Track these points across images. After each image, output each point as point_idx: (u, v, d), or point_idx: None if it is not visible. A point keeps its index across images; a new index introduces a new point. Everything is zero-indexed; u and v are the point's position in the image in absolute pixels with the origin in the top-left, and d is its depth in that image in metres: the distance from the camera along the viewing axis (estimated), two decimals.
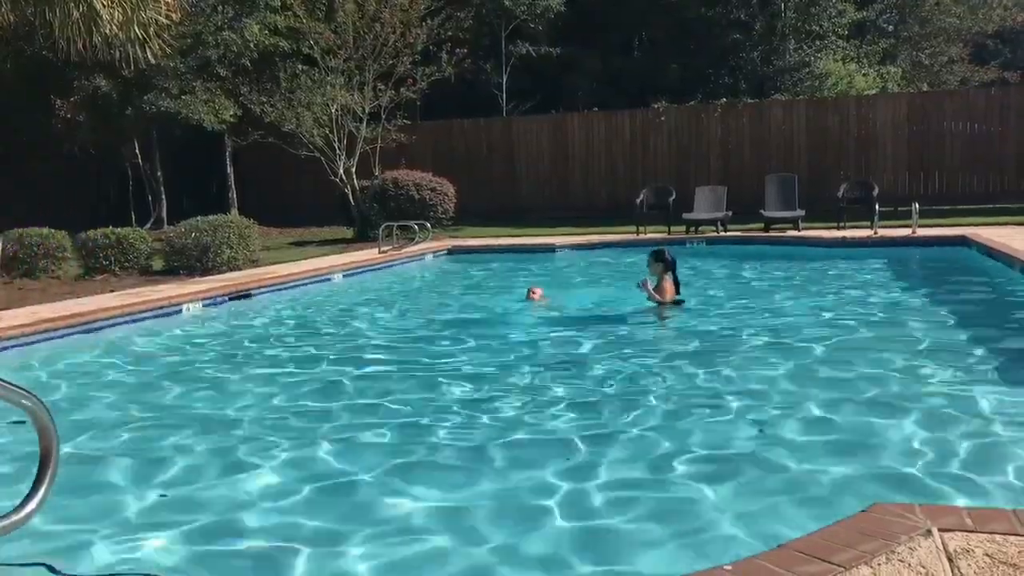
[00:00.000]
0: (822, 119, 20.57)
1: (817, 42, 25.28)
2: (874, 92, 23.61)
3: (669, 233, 16.34)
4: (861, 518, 3.31)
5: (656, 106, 21.86)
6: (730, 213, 16.61)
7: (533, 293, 9.93)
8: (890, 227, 14.75)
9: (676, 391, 6.06)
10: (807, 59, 24.95)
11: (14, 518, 2.73)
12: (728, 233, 16.17)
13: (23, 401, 2.71)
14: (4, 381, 2.70)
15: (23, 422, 5.29)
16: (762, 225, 16.41)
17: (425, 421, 5.49)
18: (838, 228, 15.72)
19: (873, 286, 10.60)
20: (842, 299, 9.72)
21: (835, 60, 25.14)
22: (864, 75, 25.50)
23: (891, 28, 31.19)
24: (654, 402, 5.76)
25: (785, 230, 15.98)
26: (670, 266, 9.13)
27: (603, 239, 15.95)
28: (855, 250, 13.63)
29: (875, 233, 14.43)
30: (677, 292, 9.16)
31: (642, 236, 16.18)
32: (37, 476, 2.75)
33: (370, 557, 3.61)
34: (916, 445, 4.61)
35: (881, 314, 8.68)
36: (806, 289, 10.68)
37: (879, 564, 2.87)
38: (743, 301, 9.89)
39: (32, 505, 2.73)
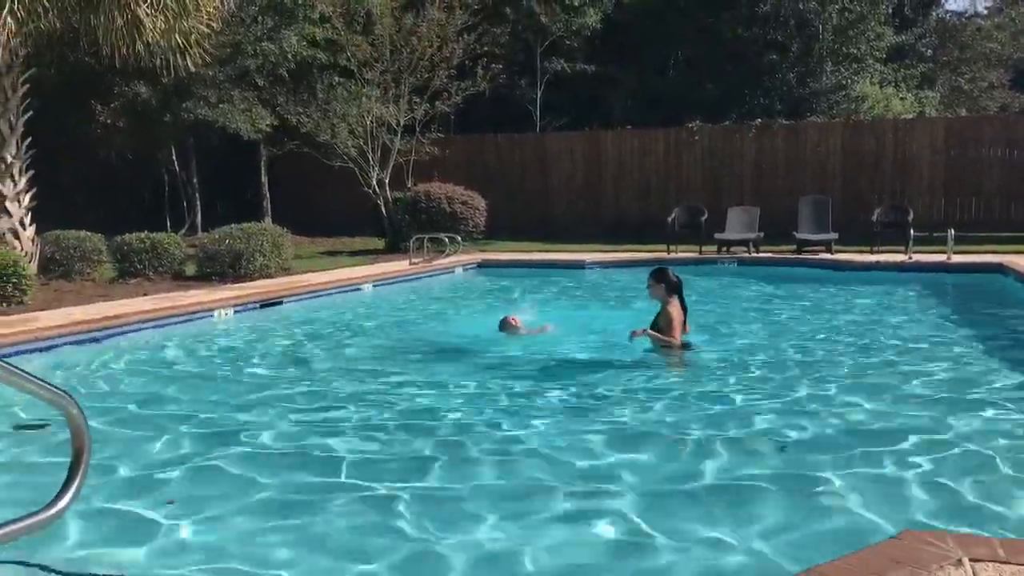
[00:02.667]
0: (858, 142, 20.42)
1: (854, 65, 25.15)
2: (911, 116, 23.42)
3: (700, 253, 16.28)
4: (891, 544, 3.26)
5: (690, 125, 21.82)
6: (762, 234, 16.51)
7: (511, 322, 8.54)
8: (925, 252, 14.58)
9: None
10: (844, 81, 24.83)
11: (44, 515, 2.76)
12: (760, 254, 16.08)
13: (58, 400, 2.75)
14: (39, 380, 2.74)
15: (35, 427, 5.41)
16: (794, 247, 16.30)
17: None
18: (871, 252, 15.56)
19: (906, 312, 10.47)
20: (874, 325, 9.60)
21: (872, 83, 25.00)
22: (902, 99, 25.34)
23: (930, 52, 30.98)
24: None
25: (818, 252, 15.86)
26: (676, 288, 7.46)
27: (633, 257, 15.90)
28: (888, 274, 13.48)
29: (909, 258, 14.26)
30: (685, 323, 7.53)
31: (673, 255, 16.12)
32: (69, 474, 2.78)
33: None
34: (946, 478, 4.53)
35: (912, 343, 8.53)
36: (836, 313, 10.56)
37: None
38: (770, 327, 9.78)
39: (63, 503, 2.76)
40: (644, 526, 3.93)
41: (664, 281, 7.45)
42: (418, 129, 19.18)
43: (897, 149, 20.13)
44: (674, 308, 7.35)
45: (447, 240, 15.74)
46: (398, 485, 4.50)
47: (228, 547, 3.81)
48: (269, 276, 13.25)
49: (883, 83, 25.58)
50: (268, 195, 22.59)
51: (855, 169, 20.31)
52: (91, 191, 21.43)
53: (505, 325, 8.53)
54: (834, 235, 16.08)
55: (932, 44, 31.09)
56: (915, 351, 8.09)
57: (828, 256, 15.47)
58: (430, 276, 14.59)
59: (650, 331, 7.41)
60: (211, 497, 4.41)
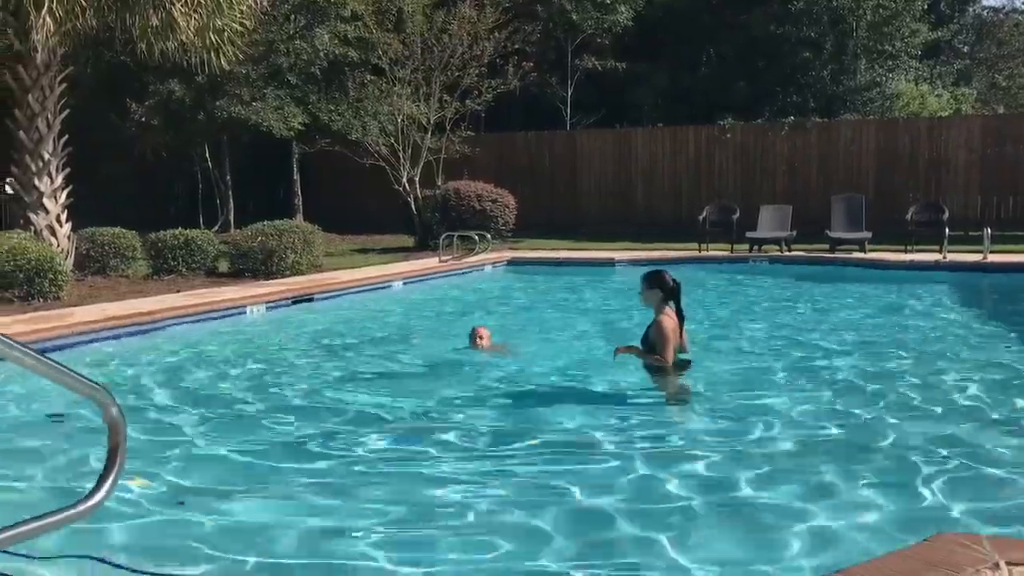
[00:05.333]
0: (892, 140, 20.19)
1: (889, 62, 24.84)
2: (947, 114, 23.11)
3: (732, 251, 16.16)
4: (926, 546, 3.21)
5: (722, 123, 21.67)
6: (794, 233, 16.36)
7: (479, 338, 7.75)
8: (960, 252, 14.37)
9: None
10: (878, 79, 24.53)
11: (82, 507, 2.79)
12: (792, 253, 15.93)
13: (94, 394, 2.77)
14: (76, 373, 2.77)
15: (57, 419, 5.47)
16: (827, 246, 16.14)
17: None
18: (905, 251, 15.37)
19: (941, 313, 10.34)
20: (908, 325, 9.49)
21: (907, 80, 24.68)
22: (937, 96, 24.99)
23: (967, 49, 30.55)
24: None
25: (851, 251, 15.69)
26: (672, 295, 6.14)
27: (664, 255, 15.79)
28: (923, 274, 13.31)
29: (944, 258, 14.07)
30: (682, 335, 6.21)
31: (704, 253, 16.03)
32: (105, 467, 2.81)
33: None
34: (984, 481, 4.47)
35: (949, 345, 8.43)
36: (872, 314, 10.45)
37: None
38: (801, 328, 9.70)
39: (100, 495, 2.79)
40: None
41: (659, 286, 6.11)
42: (448, 127, 19.22)
43: (932, 147, 19.89)
44: (667, 319, 6.05)
45: (476, 238, 15.75)
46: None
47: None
48: (300, 273, 13.33)
49: (918, 80, 25.25)
50: (300, 193, 22.74)
51: (889, 167, 20.09)
52: (126, 189, 21.67)
53: (474, 341, 7.73)
54: (867, 234, 15.90)
55: (969, 40, 30.65)
56: (951, 353, 7.98)
57: (861, 255, 15.30)
58: (459, 274, 14.60)
59: (635, 347, 6.20)
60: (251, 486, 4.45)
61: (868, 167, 20.27)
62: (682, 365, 6.32)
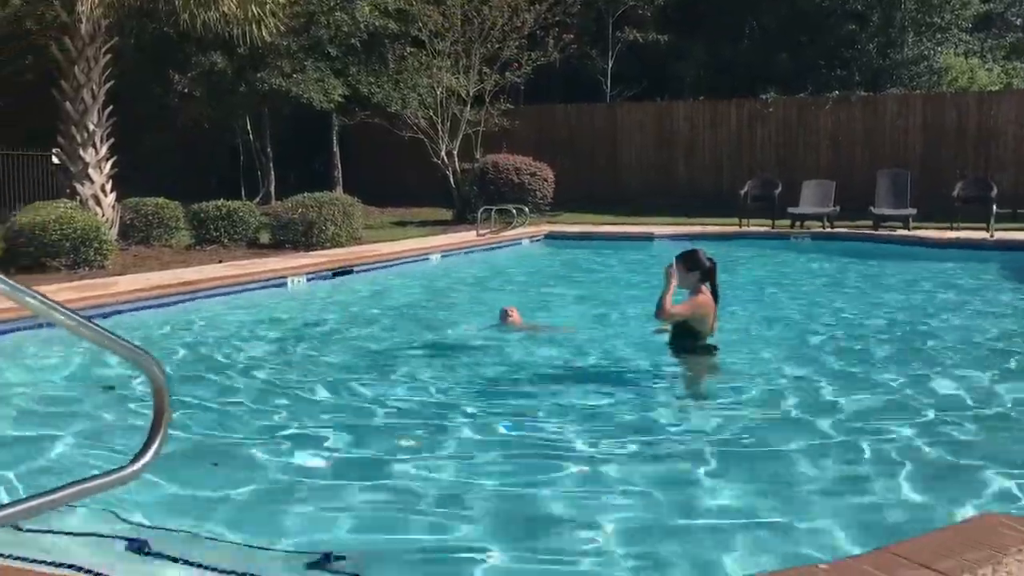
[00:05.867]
0: (939, 115, 19.78)
1: (938, 35, 24.25)
2: (997, 88, 22.56)
3: (773, 227, 15.99)
4: (969, 526, 3.19)
5: (764, 96, 21.36)
6: (837, 208, 16.13)
7: (509, 316, 7.81)
8: (1008, 230, 14.08)
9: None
10: (926, 52, 23.96)
11: (129, 470, 2.84)
12: (834, 229, 15.73)
13: (140, 359, 2.81)
14: (121, 339, 2.81)
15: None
16: (870, 222, 15.90)
17: None
18: (951, 229, 15.10)
19: (988, 293, 10.14)
20: (956, 306, 9.32)
21: (956, 54, 24.09)
22: (987, 70, 24.37)
23: (1019, 21, 29.71)
24: None
25: (895, 228, 15.45)
26: (708, 275, 5.89)
27: (704, 230, 15.68)
28: (969, 252, 13.05)
29: (991, 236, 13.79)
30: (714, 320, 6.01)
31: (745, 228, 15.88)
32: (150, 431, 2.85)
33: None
34: None
35: (996, 326, 8.28)
36: (915, 292, 10.30)
37: (984, 575, 2.75)
38: (847, 306, 9.58)
39: (146, 458, 2.84)
40: None
41: (695, 266, 5.83)
42: (488, 100, 19.15)
43: (981, 122, 19.43)
44: (704, 297, 5.86)
45: (515, 211, 15.73)
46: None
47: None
48: (340, 245, 13.42)
49: (968, 54, 24.63)
50: (339, 165, 22.83)
51: (935, 143, 19.69)
52: (168, 160, 21.89)
53: (504, 317, 7.77)
54: (912, 210, 15.64)
55: (1022, 13, 29.79)
56: (998, 332, 7.84)
57: (906, 232, 15.06)
58: (497, 247, 14.61)
59: (678, 306, 5.85)
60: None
61: (914, 142, 19.89)
62: (709, 349, 6.07)
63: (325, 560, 3.23)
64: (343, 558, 3.27)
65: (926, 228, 15.19)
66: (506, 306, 7.93)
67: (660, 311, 5.68)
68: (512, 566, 3.34)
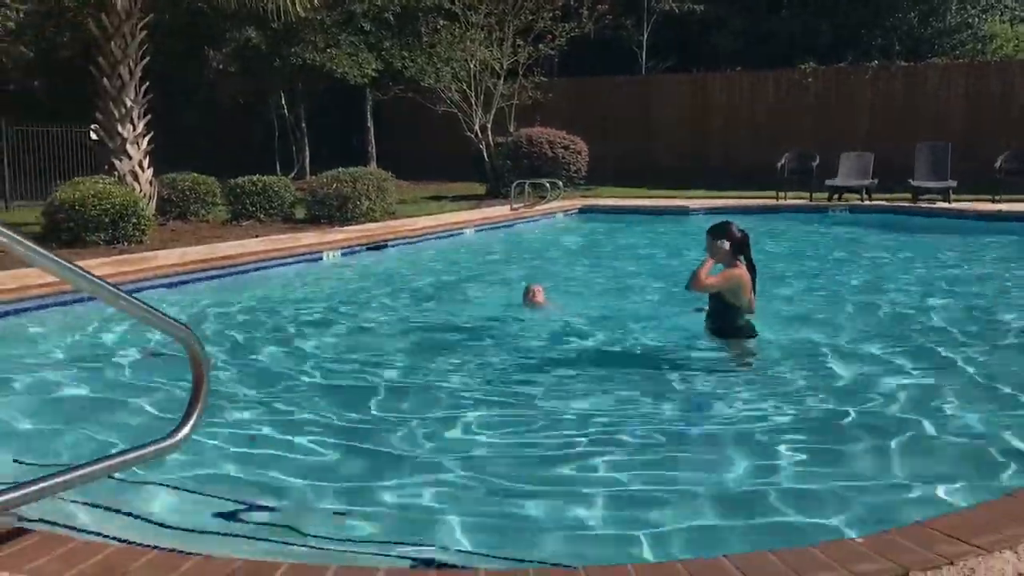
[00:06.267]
0: (982, 85, 19.38)
1: (982, 2, 23.71)
2: None
3: (811, 199, 15.81)
4: (1009, 501, 3.14)
5: (803, 67, 21.04)
6: (876, 181, 15.89)
7: (534, 294, 7.52)
8: None
9: None
10: (970, 20, 23.46)
11: (169, 442, 2.89)
12: (873, 202, 15.50)
13: (178, 332, 2.85)
14: (160, 313, 2.84)
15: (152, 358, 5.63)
16: (910, 195, 15.65)
17: None
18: (993, 201, 14.82)
19: None
20: (1000, 277, 9.17)
21: (1002, 21, 23.55)
22: None
23: None
24: None
25: (935, 201, 15.20)
26: (741, 246, 5.81)
27: (741, 204, 15.54)
28: (1013, 225, 12.81)
29: None
30: (753, 287, 5.85)
31: (782, 202, 15.71)
32: (190, 403, 2.90)
33: None
34: None
35: None
36: (951, 266, 10.14)
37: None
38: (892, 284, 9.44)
39: (186, 430, 2.88)
40: None
41: (726, 237, 5.74)
42: (521, 73, 19.06)
43: None
44: (739, 270, 5.75)
45: (548, 185, 15.67)
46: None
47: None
48: (374, 220, 13.46)
49: (1014, 21, 24.08)
50: (373, 140, 22.88)
51: (978, 114, 19.31)
52: (205, 135, 22.08)
53: (529, 296, 7.51)
54: (952, 183, 15.36)
55: None
56: None
57: (945, 205, 14.81)
58: (531, 221, 14.58)
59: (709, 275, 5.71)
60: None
61: (955, 113, 19.52)
62: (747, 330, 5.91)
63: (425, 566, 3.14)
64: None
65: (967, 200, 14.92)
66: (531, 284, 7.71)
67: (694, 280, 5.60)
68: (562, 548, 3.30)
